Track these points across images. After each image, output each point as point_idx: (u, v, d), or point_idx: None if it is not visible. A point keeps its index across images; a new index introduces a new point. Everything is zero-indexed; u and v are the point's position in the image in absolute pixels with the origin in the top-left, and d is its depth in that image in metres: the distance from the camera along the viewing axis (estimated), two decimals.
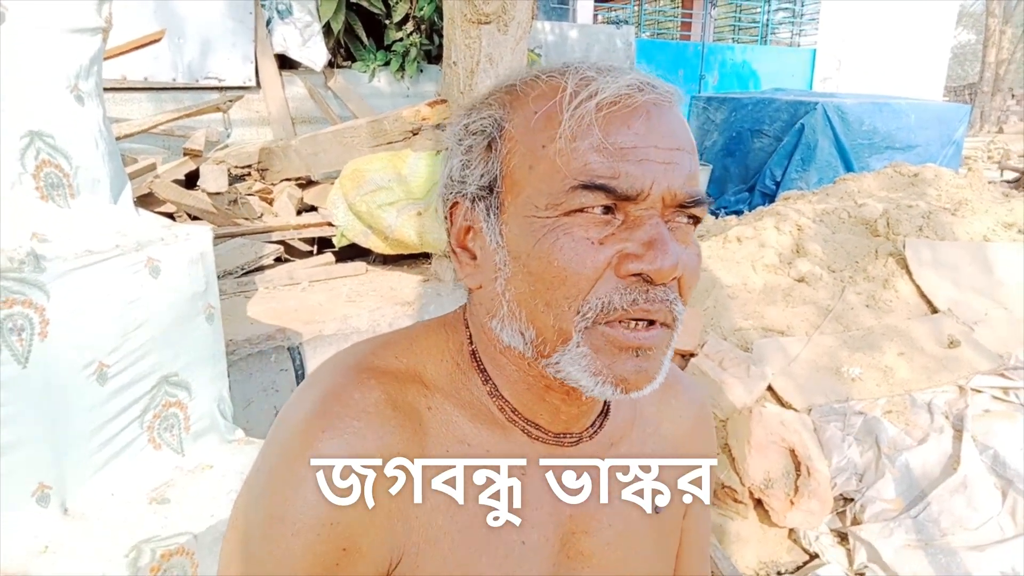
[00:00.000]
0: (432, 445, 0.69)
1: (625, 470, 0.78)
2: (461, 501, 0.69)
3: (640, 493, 0.79)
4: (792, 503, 2.63)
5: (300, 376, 2.83)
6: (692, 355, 3.27)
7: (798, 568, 2.61)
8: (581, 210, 0.61)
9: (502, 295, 0.66)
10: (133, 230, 1.87)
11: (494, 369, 0.72)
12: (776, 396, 3.07)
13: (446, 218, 0.71)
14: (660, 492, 0.81)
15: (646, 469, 0.80)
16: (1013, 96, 25.96)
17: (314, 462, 0.63)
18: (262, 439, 2.13)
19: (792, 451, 2.70)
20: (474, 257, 0.70)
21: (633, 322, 0.63)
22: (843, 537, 2.64)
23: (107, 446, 1.78)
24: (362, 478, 0.64)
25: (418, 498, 0.67)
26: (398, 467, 0.66)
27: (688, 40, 15.04)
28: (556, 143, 0.62)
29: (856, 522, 2.61)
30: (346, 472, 0.64)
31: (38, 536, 1.59)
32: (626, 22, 11.56)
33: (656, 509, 0.80)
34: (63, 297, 1.64)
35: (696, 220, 0.66)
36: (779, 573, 2.59)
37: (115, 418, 1.79)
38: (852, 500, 2.69)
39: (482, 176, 0.66)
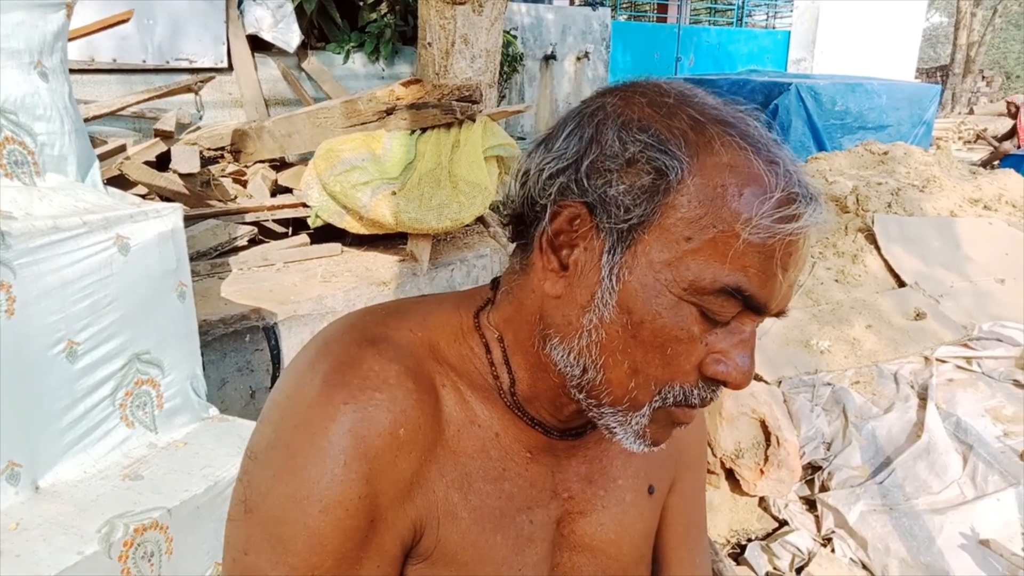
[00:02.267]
0: (446, 423, 0.68)
1: (624, 455, 0.80)
2: (471, 478, 0.69)
3: (637, 475, 0.82)
4: (762, 472, 2.69)
5: (275, 356, 2.83)
6: None
7: (768, 535, 2.68)
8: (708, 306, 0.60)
9: (586, 330, 0.63)
10: (101, 207, 1.86)
11: (517, 360, 0.71)
12: None
13: (552, 205, 0.63)
14: (656, 480, 0.84)
15: (643, 455, 0.80)
16: (984, 77, 26.31)
17: (336, 435, 0.61)
18: (237, 417, 2.14)
19: (762, 422, 2.76)
20: (564, 267, 0.64)
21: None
22: (811, 504, 2.70)
23: (79, 424, 1.77)
24: (388, 450, 0.63)
25: (433, 471, 0.67)
26: (419, 440, 0.65)
27: (664, 22, 15.04)
28: (729, 234, 0.57)
29: (824, 489, 2.68)
30: (372, 444, 0.62)
31: (8, 514, 1.59)
32: (602, 4, 11.52)
33: (651, 490, 0.83)
34: (30, 275, 1.63)
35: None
36: (750, 540, 2.65)
37: (86, 396, 1.78)
38: (820, 468, 2.75)
39: (630, 211, 0.59)
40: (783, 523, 2.67)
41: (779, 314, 0.64)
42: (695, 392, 0.63)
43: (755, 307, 0.61)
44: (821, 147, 7.95)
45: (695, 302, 0.59)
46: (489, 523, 0.70)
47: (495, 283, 0.75)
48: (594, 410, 0.66)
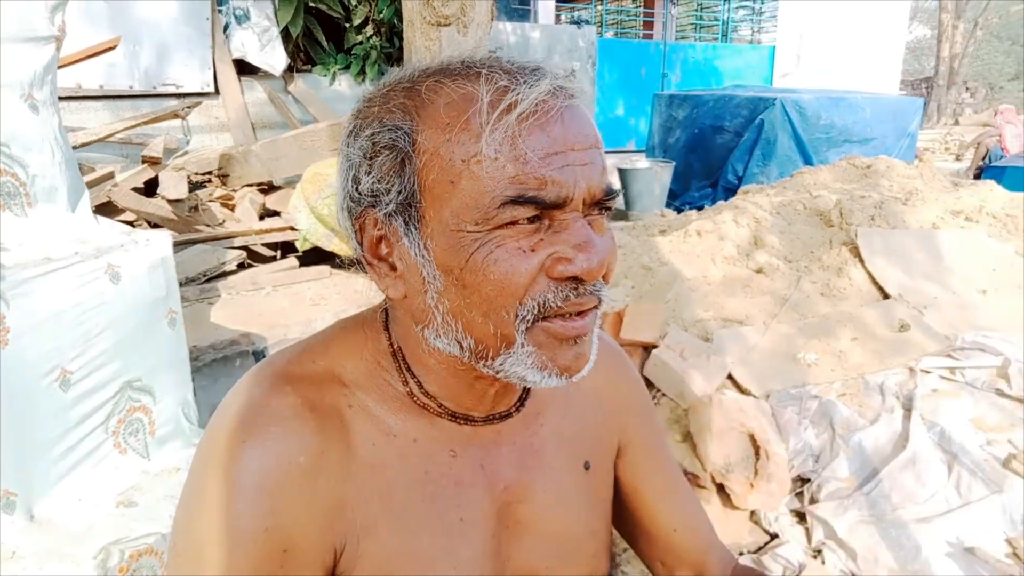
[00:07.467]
0: (359, 442, 0.71)
1: (555, 437, 0.82)
2: (392, 488, 0.72)
3: (572, 456, 0.84)
4: (752, 486, 2.71)
5: None
6: (654, 347, 3.35)
7: (759, 548, 2.69)
8: (511, 222, 0.62)
9: (434, 308, 0.67)
10: (92, 237, 1.88)
11: (420, 367, 0.74)
12: (735, 384, 3.15)
13: (355, 230, 0.70)
14: (591, 455, 0.85)
15: (574, 433, 0.84)
16: (968, 89, 26.65)
17: (237, 472, 0.65)
18: None
19: (751, 436, 2.79)
20: (393, 268, 0.69)
21: (568, 315, 0.66)
22: (801, 516, 2.72)
23: (72, 452, 1.79)
24: (290, 480, 0.66)
25: (349, 491, 0.70)
26: (324, 465, 0.69)
27: (651, 39, 15.20)
28: (477, 158, 0.61)
29: (813, 501, 2.70)
30: (272, 477, 0.66)
31: (5, 542, 1.60)
32: (587, 22, 11.64)
33: (587, 466, 0.85)
34: (22, 305, 1.65)
35: (608, 209, 0.68)
36: (741, 554, 2.67)
37: (79, 424, 1.80)
38: (809, 480, 2.78)
39: (399, 193, 0.65)
40: (774, 536, 2.69)
41: (602, 203, 0.66)
42: (551, 298, 0.64)
43: (554, 204, 0.62)
44: (807, 161, 8.03)
45: (493, 228, 0.62)
46: (414, 528, 0.72)
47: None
48: (493, 369, 0.68)
